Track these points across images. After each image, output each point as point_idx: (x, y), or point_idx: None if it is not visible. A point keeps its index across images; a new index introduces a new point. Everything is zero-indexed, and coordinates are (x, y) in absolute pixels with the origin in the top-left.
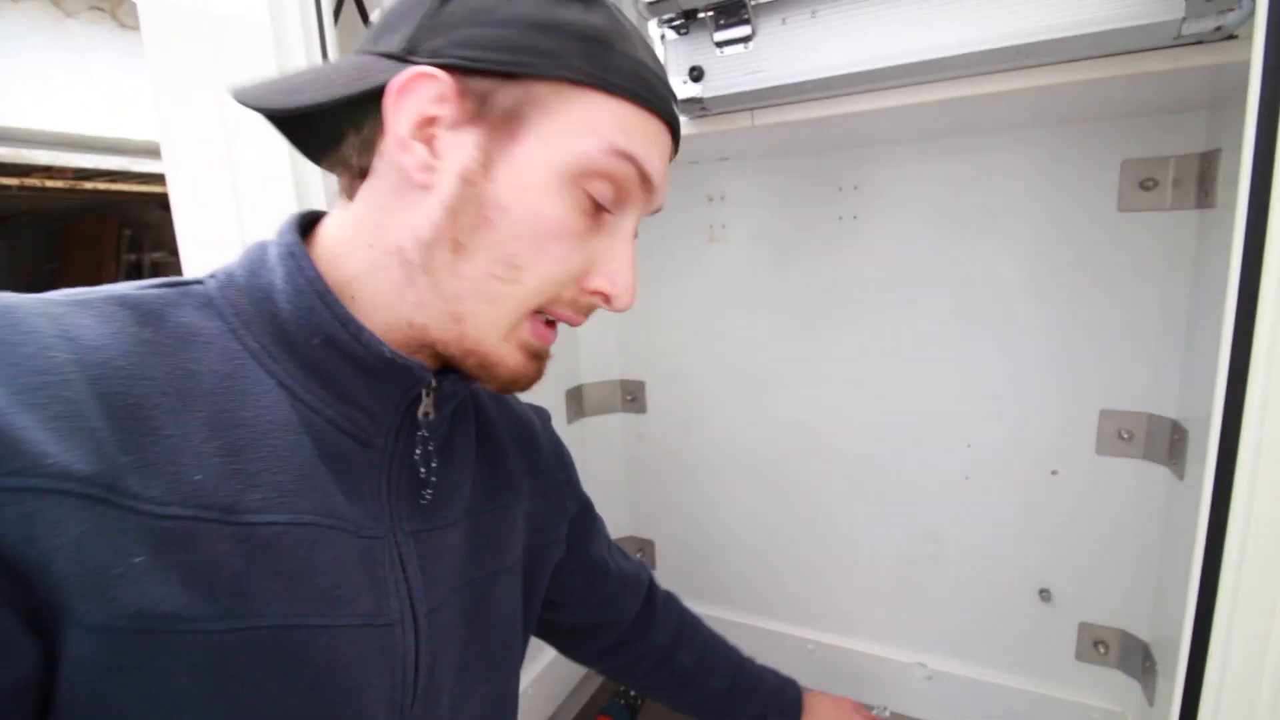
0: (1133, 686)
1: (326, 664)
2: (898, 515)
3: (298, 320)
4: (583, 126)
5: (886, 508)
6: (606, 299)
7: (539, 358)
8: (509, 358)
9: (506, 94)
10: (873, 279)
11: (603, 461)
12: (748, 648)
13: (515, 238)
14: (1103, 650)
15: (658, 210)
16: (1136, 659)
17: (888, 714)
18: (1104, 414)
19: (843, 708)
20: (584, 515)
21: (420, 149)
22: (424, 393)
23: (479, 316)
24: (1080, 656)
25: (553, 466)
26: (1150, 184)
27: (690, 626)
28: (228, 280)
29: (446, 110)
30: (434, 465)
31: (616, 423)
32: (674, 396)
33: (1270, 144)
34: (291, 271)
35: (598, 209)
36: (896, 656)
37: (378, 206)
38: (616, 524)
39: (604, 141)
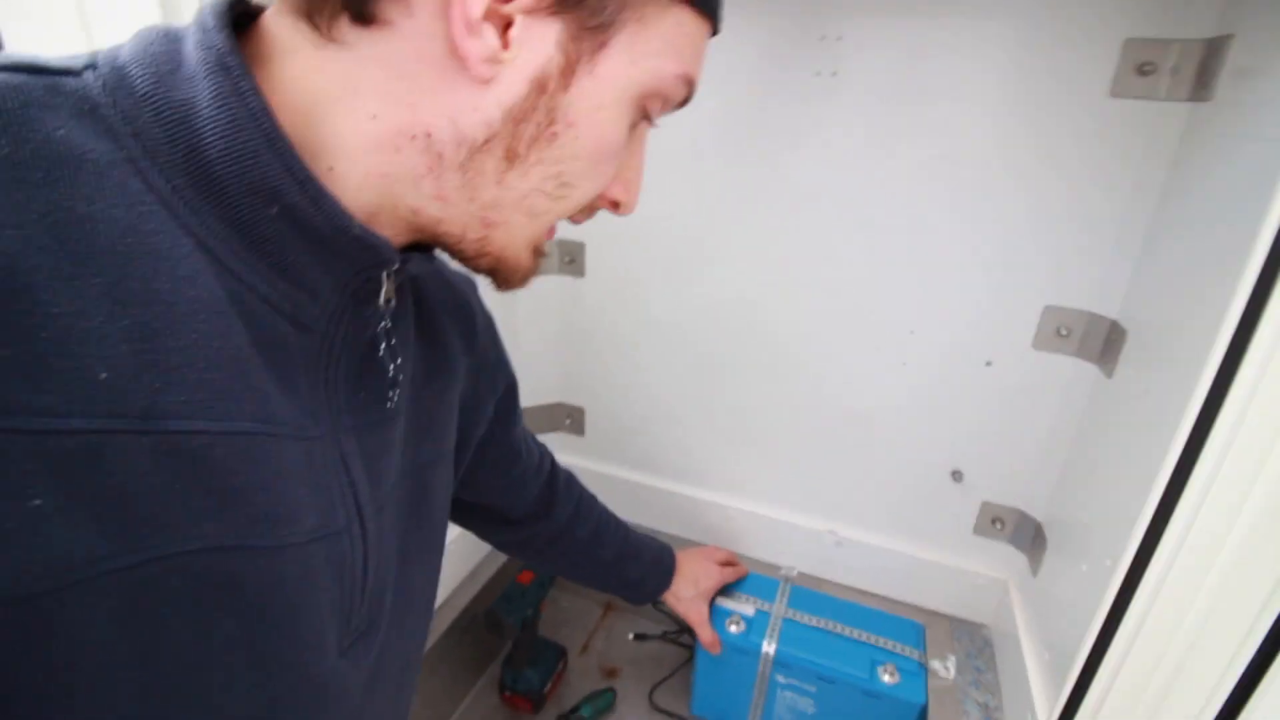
0: (1019, 558)
1: (269, 586)
2: (831, 395)
3: (231, 165)
4: (667, 45)
5: (821, 387)
6: (616, 206)
7: (541, 255)
8: (525, 261)
9: None
10: (840, 149)
11: (536, 325)
12: (672, 513)
13: (574, 156)
14: (999, 526)
15: None
16: (1027, 535)
17: (794, 573)
18: (1047, 310)
19: (707, 555)
20: (508, 396)
21: (492, 36)
22: (384, 275)
23: (514, 227)
24: (978, 531)
25: (486, 344)
26: (1149, 68)
27: (586, 505)
28: (118, 80)
29: None
30: (399, 361)
31: (552, 285)
32: (615, 261)
33: None
34: (224, 93)
35: (639, 122)
36: (810, 524)
37: (397, 74)
38: (547, 390)
39: (681, 67)
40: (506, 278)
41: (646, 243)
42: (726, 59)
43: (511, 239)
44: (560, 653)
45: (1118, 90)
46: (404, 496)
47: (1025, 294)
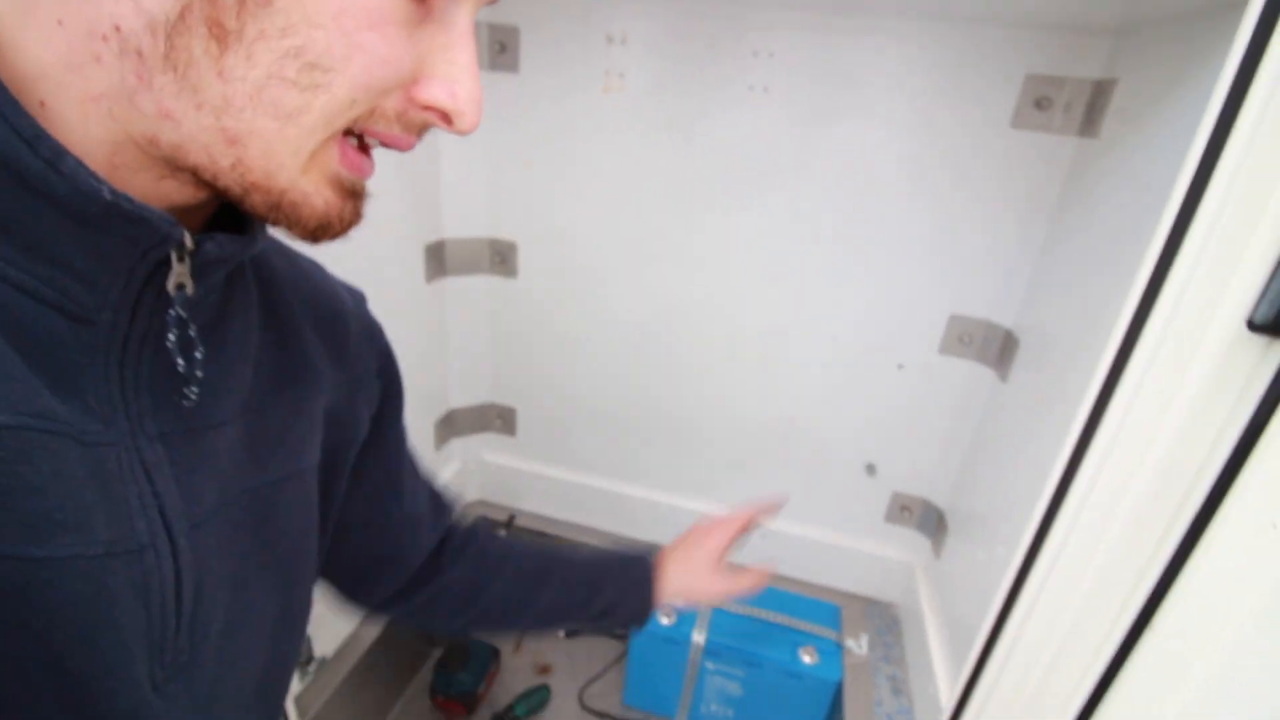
0: (924, 542)
1: (49, 602)
2: (758, 395)
3: None
4: None
5: (749, 388)
6: (445, 117)
7: (355, 195)
8: (314, 195)
9: None
10: (767, 159)
11: (465, 325)
12: (604, 512)
13: (309, 22)
14: (907, 514)
15: None
16: (932, 521)
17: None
18: (953, 318)
19: (692, 549)
20: (388, 410)
21: None
22: (174, 255)
23: (265, 136)
24: (888, 519)
25: (362, 352)
26: (1046, 103)
27: (509, 551)
28: None
29: None
30: (198, 356)
31: (482, 285)
32: (547, 261)
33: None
34: None
35: None
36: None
37: None
38: (477, 390)
39: None
40: (295, 217)
41: (579, 244)
42: (667, 60)
43: (270, 156)
44: (493, 653)
45: (1019, 121)
46: (239, 518)
47: (933, 303)
